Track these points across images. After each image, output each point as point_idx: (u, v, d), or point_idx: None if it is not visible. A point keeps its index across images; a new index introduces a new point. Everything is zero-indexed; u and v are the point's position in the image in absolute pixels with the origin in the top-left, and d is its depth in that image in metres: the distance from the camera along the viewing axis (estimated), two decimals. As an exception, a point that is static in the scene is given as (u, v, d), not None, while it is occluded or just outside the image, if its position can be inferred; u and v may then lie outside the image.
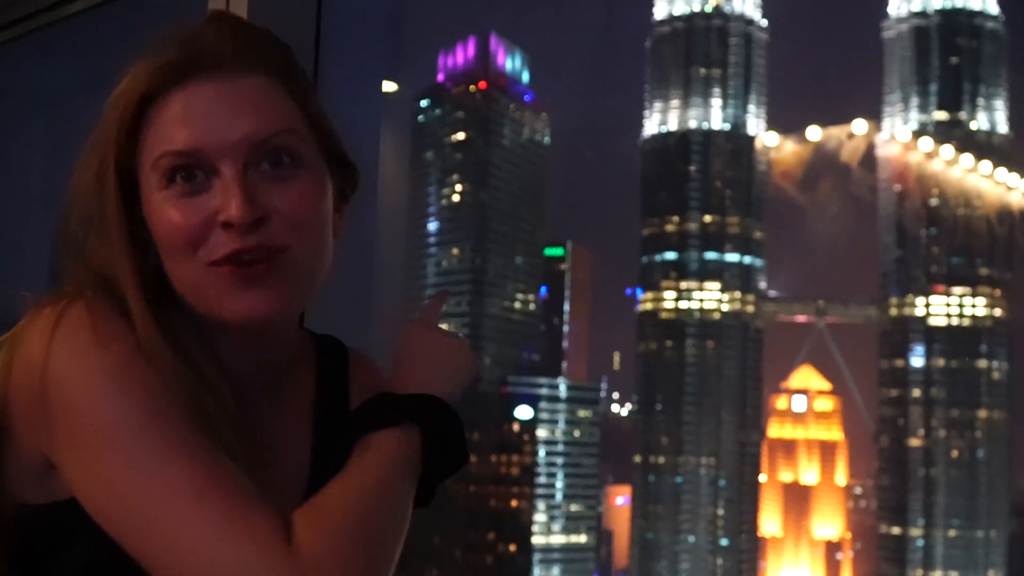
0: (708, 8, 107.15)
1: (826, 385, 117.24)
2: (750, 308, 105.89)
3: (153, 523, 1.00)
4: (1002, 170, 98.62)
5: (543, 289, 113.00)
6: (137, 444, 1.01)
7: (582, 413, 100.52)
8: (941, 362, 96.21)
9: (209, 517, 0.98)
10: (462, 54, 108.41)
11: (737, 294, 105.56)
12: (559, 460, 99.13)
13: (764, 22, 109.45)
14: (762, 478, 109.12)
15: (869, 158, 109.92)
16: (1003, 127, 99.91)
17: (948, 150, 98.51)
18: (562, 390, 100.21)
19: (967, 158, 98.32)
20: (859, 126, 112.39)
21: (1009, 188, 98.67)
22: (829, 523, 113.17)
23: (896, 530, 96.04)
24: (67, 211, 1.16)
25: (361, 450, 1.12)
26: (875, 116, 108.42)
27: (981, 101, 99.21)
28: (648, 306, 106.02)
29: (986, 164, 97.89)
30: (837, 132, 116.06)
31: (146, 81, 1.10)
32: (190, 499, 0.99)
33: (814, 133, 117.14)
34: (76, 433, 1.03)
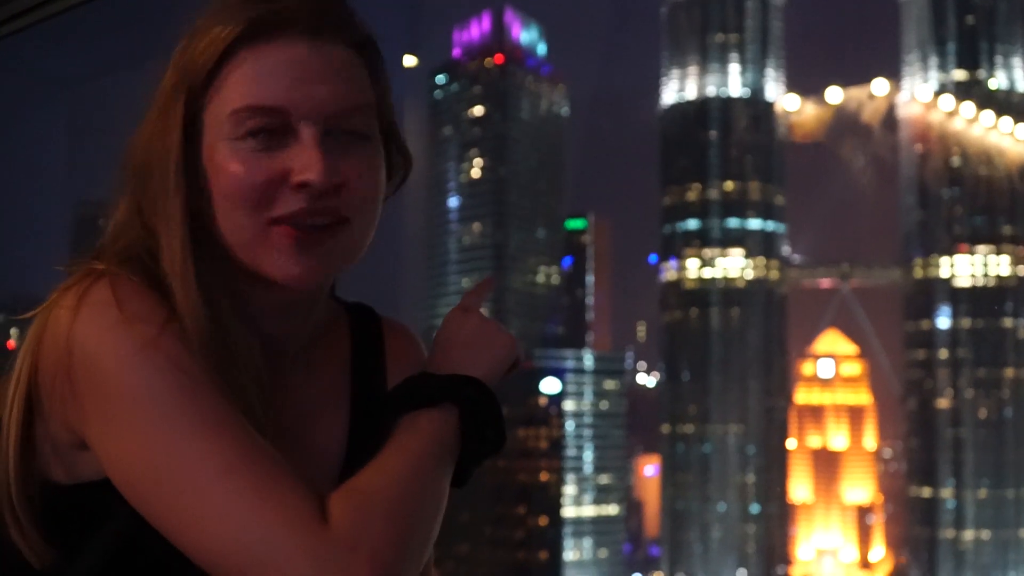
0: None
1: (852, 349, 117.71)
2: (774, 274, 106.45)
3: (181, 497, 0.99)
4: (1022, 127, 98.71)
5: (566, 261, 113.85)
6: (166, 417, 1.00)
7: (608, 384, 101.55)
8: (967, 322, 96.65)
9: (239, 491, 0.97)
10: (477, 28, 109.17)
11: (761, 260, 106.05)
12: (587, 432, 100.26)
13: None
14: (791, 444, 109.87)
15: (890, 118, 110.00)
16: (1022, 84, 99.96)
17: (968, 109, 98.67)
18: (588, 362, 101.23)
19: (987, 116, 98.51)
20: (879, 86, 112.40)
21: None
22: (859, 487, 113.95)
23: (926, 492, 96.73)
24: (126, 169, 1.17)
25: (400, 431, 1.12)
26: (895, 76, 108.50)
27: (999, 59, 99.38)
28: (671, 275, 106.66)
29: (1007, 121, 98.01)
30: (857, 93, 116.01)
31: (234, 30, 1.10)
32: (220, 472, 0.98)
33: (834, 95, 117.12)
34: (105, 408, 1.03)
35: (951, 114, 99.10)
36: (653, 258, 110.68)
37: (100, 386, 1.03)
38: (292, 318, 1.22)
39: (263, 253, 1.11)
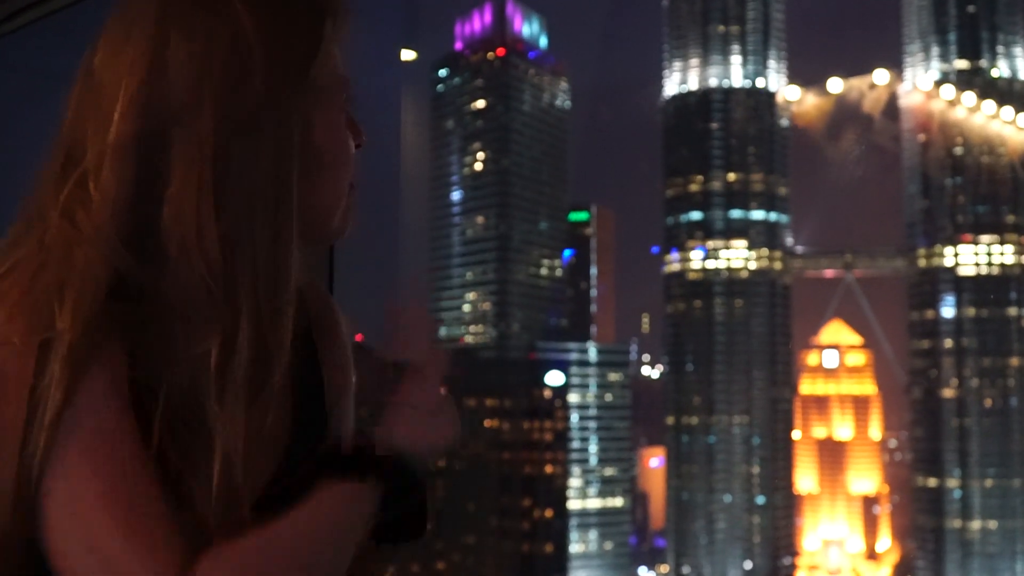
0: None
1: (857, 339, 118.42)
2: (777, 265, 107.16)
3: (64, 518, 0.97)
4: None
5: (567, 253, 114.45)
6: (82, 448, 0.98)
7: (613, 376, 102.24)
8: (971, 311, 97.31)
9: (112, 528, 0.96)
10: (479, 21, 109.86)
11: (764, 251, 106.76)
12: (592, 424, 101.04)
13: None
14: (796, 435, 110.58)
15: (892, 108, 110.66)
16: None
17: (970, 98, 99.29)
18: (592, 354, 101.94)
19: (989, 105, 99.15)
20: (880, 76, 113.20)
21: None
22: (865, 477, 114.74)
23: (932, 482, 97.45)
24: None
25: (313, 498, 1.06)
26: (896, 65, 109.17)
27: (1001, 49, 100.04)
28: (675, 266, 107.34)
29: (1008, 110, 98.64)
30: (858, 83, 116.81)
31: (339, 19, 1.14)
32: (99, 506, 0.97)
33: (835, 85, 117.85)
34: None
35: (953, 103, 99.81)
36: (655, 249, 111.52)
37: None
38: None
39: (341, 211, 1.17)
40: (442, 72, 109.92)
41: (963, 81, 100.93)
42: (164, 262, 1.03)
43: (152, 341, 1.03)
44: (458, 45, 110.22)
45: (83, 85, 1.10)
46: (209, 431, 1.03)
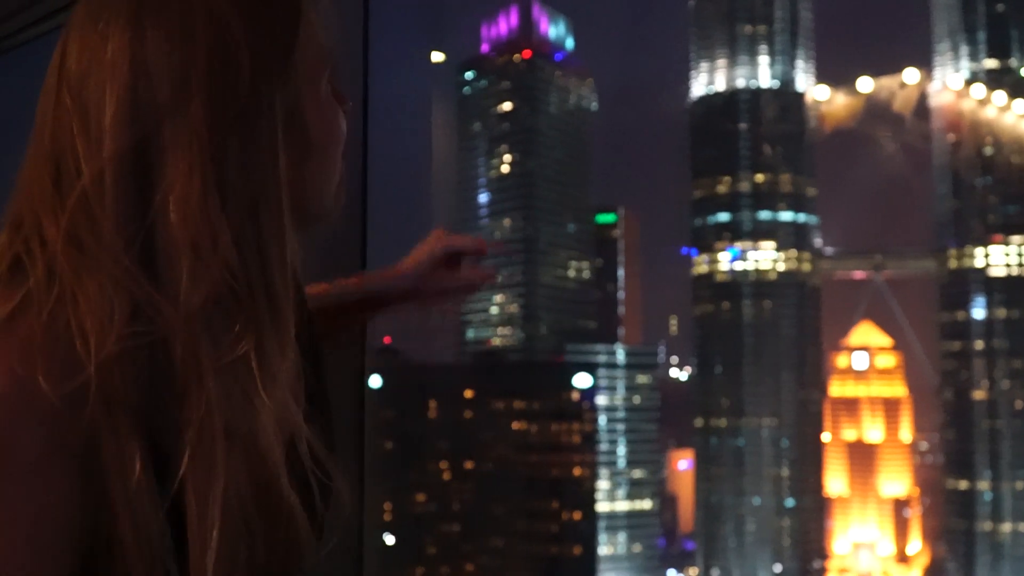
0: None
1: (887, 341, 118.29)
2: (806, 266, 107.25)
3: None
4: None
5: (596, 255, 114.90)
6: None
7: (641, 379, 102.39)
8: (1002, 312, 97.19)
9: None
10: (505, 23, 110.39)
11: (792, 252, 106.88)
12: (620, 427, 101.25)
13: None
14: (825, 437, 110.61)
15: (922, 107, 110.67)
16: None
17: (1000, 97, 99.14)
18: (620, 356, 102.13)
19: (1019, 104, 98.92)
20: (910, 75, 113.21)
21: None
22: (895, 480, 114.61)
23: (963, 484, 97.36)
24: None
25: None
26: (926, 64, 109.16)
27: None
28: (702, 268, 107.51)
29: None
30: (888, 82, 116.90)
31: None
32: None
33: (865, 84, 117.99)
34: None
35: (983, 102, 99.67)
36: (685, 251, 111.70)
37: None
38: None
39: (335, 190, 1.18)
40: (468, 75, 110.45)
41: (992, 80, 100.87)
42: (178, 272, 0.99)
43: (174, 361, 0.99)
44: (484, 48, 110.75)
45: (60, 91, 1.05)
46: (254, 429, 1.01)
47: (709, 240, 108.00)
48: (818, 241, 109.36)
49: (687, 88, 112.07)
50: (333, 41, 1.14)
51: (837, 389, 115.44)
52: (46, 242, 1.01)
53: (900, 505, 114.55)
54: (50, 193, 1.02)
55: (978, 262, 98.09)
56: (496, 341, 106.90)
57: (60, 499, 0.94)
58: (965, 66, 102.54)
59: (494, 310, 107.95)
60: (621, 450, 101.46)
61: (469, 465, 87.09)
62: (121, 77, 1.01)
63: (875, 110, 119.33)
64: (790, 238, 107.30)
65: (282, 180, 1.05)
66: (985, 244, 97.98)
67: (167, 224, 0.99)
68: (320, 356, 1.29)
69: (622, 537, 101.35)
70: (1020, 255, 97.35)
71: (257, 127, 1.04)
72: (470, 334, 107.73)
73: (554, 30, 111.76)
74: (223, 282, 1.00)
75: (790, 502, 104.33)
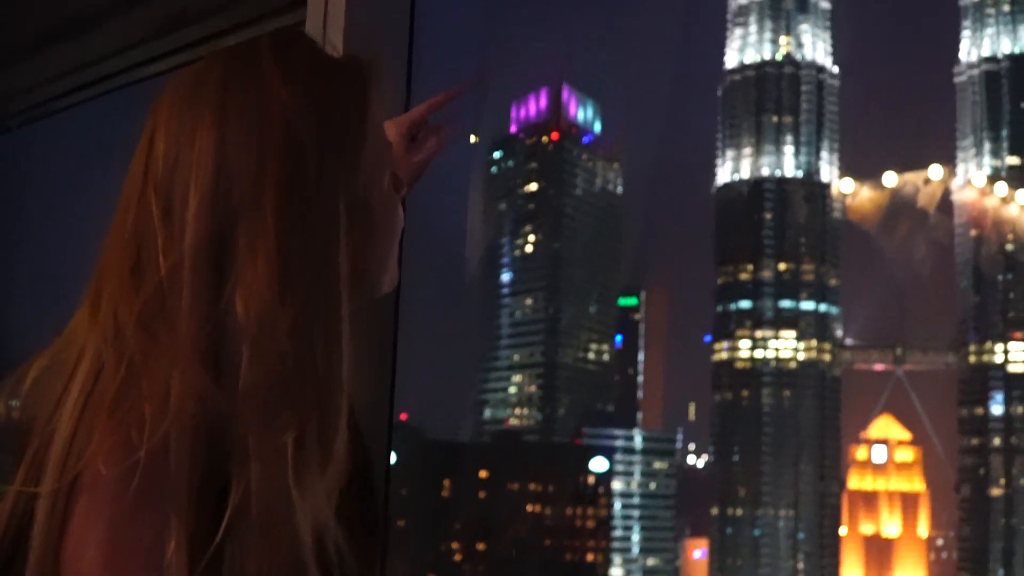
0: (779, 56, 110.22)
1: (906, 435, 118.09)
2: (827, 356, 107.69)
3: None
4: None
5: (618, 338, 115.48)
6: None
7: (658, 464, 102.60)
8: (1021, 409, 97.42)
9: None
10: (534, 105, 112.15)
11: (813, 342, 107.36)
12: (635, 513, 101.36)
13: (835, 69, 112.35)
14: (843, 531, 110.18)
15: (946, 203, 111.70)
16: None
17: (1023, 197, 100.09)
18: (637, 441, 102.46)
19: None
20: (935, 171, 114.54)
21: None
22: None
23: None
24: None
25: None
26: (950, 160, 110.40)
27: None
28: (723, 355, 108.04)
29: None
30: (913, 177, 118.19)
31: (379, 90, 1.21)
32: None
33: (890, 179, 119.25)
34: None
35: (1006, 199, 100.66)
36: (707, 337, 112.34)
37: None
38: None
39: (395, 273, 1.28)
40: (496, 154, 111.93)
41: (1015, 178, 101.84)
42: (237, 361, 1.06)
43: (221, 446, 1.05)
44: (513, 128, 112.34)
45: (145, 181, 1.13)
46: (289, 518, 1.05)
47: (731, 327, 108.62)
48: (839, 332, 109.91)
49: (713, 174, 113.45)
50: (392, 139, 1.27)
51: (856, 482, 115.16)
52: (120, 328, 1.09)
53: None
54: (128, 279, 1.11)
55: (998, 358, 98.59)
56: (514, 421, 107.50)
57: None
58: (987, 163, 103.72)
59: (512, 390, 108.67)
60: (636, 537, 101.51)
61: (482, 547, 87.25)
62: (206, 175, 1.10)
63: (900, 204, 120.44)
64: (811, 328, 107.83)
65: (341, 273, 1.12)
66: (1005, 340, 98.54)
67: (233, 315, 1.06)
68: (364, 444, 1.34)
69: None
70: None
71: (320, 224, 1.11)
72: (487, 413, 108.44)
73: (583, 113, 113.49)
74: (275, 372, 1.05)
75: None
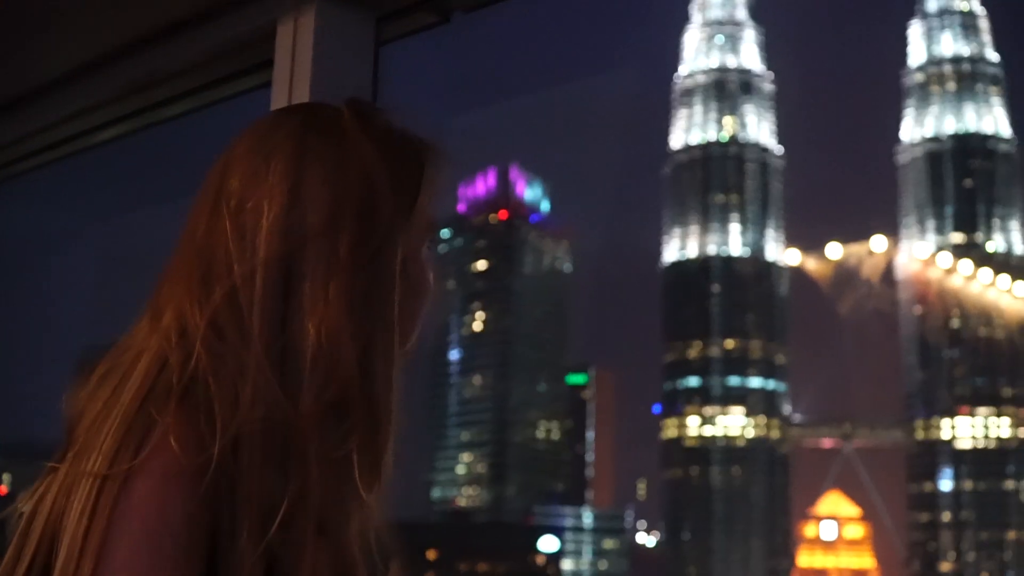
0: (724, 137, 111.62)
1: (855, 511, 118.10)
2: (776, 433, 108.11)
3: None
4: (1021, 283, 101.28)
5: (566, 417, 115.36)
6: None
7: (608, 543, 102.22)
8: (969, 484, 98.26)
9: None
10: (483, 184, 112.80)
11: (762, 419, 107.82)
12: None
13: (779, 148, 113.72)
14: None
15: (890, 273, 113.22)
16: (1019, 247, 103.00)
17: (967, 269, 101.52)
18: (587, 520, 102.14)
19: (986, 276, 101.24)
20: (878, 242, 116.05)
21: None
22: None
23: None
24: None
25: None
26: (894, 233, 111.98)
27: (997, 222, 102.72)
28: (672, 432, 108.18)
29: (1004, 279, 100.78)
30: (857, 249, 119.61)
31: (436, 168, 1.30)
32: None
33: (834, 250, 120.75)
34: None
35: (949, 274, 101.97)
36: (656, 407, 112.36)
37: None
38: None
39: (417, 338, 1.32)
40: (444, 233, 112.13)
41: (959, 254, 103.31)
42: (302, 376, 1.15)
43: (286, 451, 1.13)
44: (461, 207, 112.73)
45: (218, 200, 1.23)
46: (344, 525, 1.16)
47: (680, 404, 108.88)
48: (787, 408, 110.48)
49: (660, 252, 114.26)
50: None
51: (806, 559, 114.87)
52: (187, 330, 1.16)
53: None
54: (198, 285, 1.19)
55: (945, 434, 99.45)
56: (462, 501, 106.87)
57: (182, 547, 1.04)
58: (931, 239, 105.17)
59: (461, 469, 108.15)
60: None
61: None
62: (280, 199, 1.20)
63: (844, 276, 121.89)
64: (760, 404, 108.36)
65: (396, 315, 1.23)
66: (952, 415, 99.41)
67: (304, 333, 1.16)
68: None
69: None
70: (986, 427, 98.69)
71: (386, 265, 1.23)
72: (436, 493, 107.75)
73: (531, 192, 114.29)
74: (340, 393, 1.16)
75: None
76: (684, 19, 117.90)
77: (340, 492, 1.15)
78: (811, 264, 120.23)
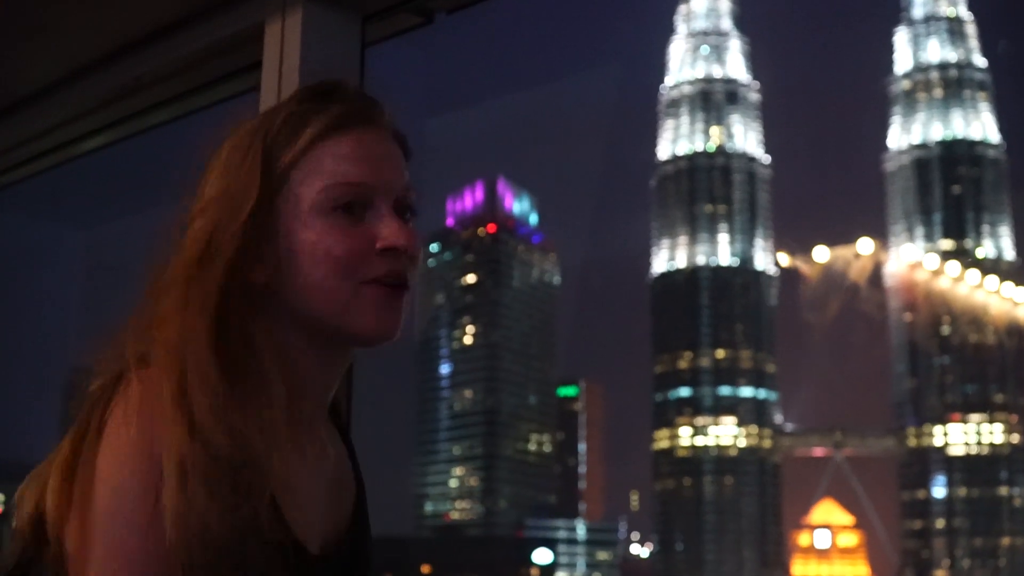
0: (711, 147, 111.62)
1: (848, 519, 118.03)
2: (767, 443, 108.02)
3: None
4: (1008, 284, 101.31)
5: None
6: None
7: (601, 555, 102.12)
8: (962, 491, 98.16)
9: None
10: (470, 198, 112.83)
11: (753, 428, 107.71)
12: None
13: (766, 158, 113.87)
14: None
15: (877, 276, 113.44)
16: (1009, 253, 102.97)
17: (956, 275, 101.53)
18: (580, 532, 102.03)
19: (974, 280, 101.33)
20: (865, 245, 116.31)
21: (1016, 303, 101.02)
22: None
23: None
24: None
25: None
26: (881, 235, 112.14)
27: (986, 228, 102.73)
28: (663, 443, 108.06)
29: (993, 281, 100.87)
30: (844, 252, 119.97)
31: (325, 122, 1.25)
32: None
33: (821, 254, 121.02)
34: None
35: (938, 279, 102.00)
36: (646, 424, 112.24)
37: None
38: (332, 384, 1.32)
39: (357, 312, 1.24)
40: (433, 247, 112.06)
41: (949, 260, 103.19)
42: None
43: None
44: (449, 221, 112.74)
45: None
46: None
47: (671, 415, 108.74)
48: (778, 417, 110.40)
49: (648, 264, 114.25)
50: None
51: (799, 568, 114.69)
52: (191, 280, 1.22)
53: None
54: (197, 258, 1.23)
55: (937, 441, 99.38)
56: (455, 515, 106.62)
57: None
58: (920, 246, 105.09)
59: (453, 483, 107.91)
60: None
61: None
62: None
63: (832, 279, 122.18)
64: (751, 414, 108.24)
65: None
66: (944, 423, 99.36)
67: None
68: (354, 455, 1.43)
69: None
70: (979, 433, 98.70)
71: (226, 204, 1.27)
72: (428, 507, 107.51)
73: (519, 206, 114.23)
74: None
75: None
76: (669, 30, 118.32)
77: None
78: (799, 265, 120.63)
